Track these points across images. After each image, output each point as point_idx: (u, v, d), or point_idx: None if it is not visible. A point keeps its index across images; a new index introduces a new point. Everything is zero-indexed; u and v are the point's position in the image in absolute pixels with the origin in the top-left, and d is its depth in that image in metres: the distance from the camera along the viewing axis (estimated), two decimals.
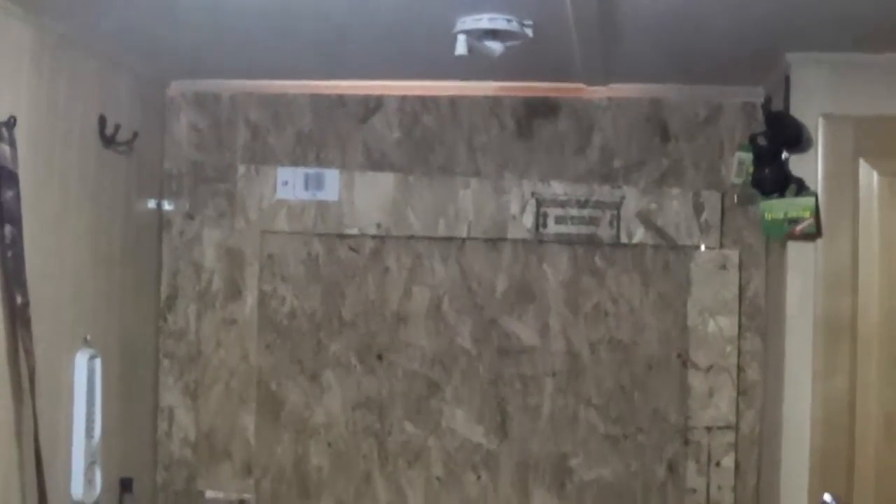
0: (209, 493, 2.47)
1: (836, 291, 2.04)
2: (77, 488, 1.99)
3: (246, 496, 2.45)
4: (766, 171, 2.10)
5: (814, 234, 2.04)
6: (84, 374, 1.99)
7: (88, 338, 2.03)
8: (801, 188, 2.05)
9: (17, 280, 1.63)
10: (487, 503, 2.41)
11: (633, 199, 2.40)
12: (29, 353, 1.66)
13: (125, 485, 2.25)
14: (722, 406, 2.35)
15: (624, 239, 2.39)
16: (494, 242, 2.43)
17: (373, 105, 2.46)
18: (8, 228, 1.62)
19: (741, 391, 2.35)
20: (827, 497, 1.98)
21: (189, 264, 2.49)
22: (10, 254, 1.62)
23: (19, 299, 1.64)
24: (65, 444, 1.95)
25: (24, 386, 1.68)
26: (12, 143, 1.64)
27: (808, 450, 2.03)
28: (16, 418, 1.69)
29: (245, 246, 2.47)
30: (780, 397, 2.10)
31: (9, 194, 1.62)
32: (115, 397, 2.19)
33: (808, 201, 2.03)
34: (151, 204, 2.46)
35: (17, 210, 1.64)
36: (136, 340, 2.36)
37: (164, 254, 2.49)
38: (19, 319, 1.65)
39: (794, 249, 2.09)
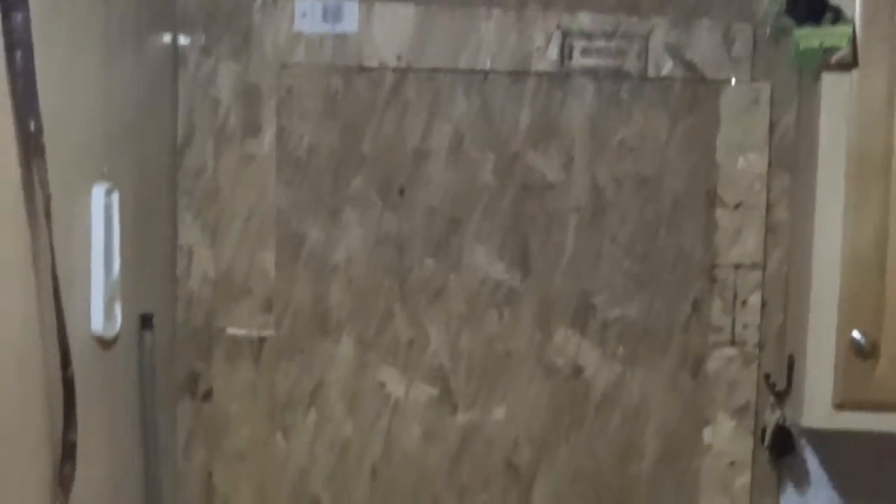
0: (230, 330, 2.46)
1: (870, 124, 1.98)
2: (97, 322, 1.96)
3: (266, 332, 2.45)
4: None
5: (849, 63, 1.97)
6: (101, 207, 1.95)
7: (106, 171, 1.99)
8: (838, 16, 1.98)
9: (29, 106, 1.58)
10: (509, 340, 2.40)
11: (661, 31, 2.32)
12: (43, 182, 1.62)
13: (145, 321, 2.23)
14: (749, 244, 2.31)
15: (652, 72, 2.33)
16: (518, 75, 2.36)
17: None
18: (19, 53, 1.56)
19: (769, 229, 2.32)
20: (856, 334, 1.96)
21: (206, 100, 2.43)
22: (20, 80, 1.57)
23: (32, 126, 1.58)
24: (83, 278, 1.92)
25: (40, 216, 1.64)
26: None
27: (837, 287, 2.00)
28: (32, 249, 1.65)
29: (262, 81, 2.41)
30: (809, 234, 2.06)
31: (18, 17, 1.55)
32: (133, 234, 2.15)
33: (845, 29, 1.96)
34: (166, 39, 2.39)
35: (28, 34, 1.58)
36: (153, 177, 2.32)
37: (180, 90, 2.43)
38: (33, 147, 1.60)
39: (829, 82, 2.03)
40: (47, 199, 1.63)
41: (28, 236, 1.64)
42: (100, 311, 1.97)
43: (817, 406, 2.03)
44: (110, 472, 2.08)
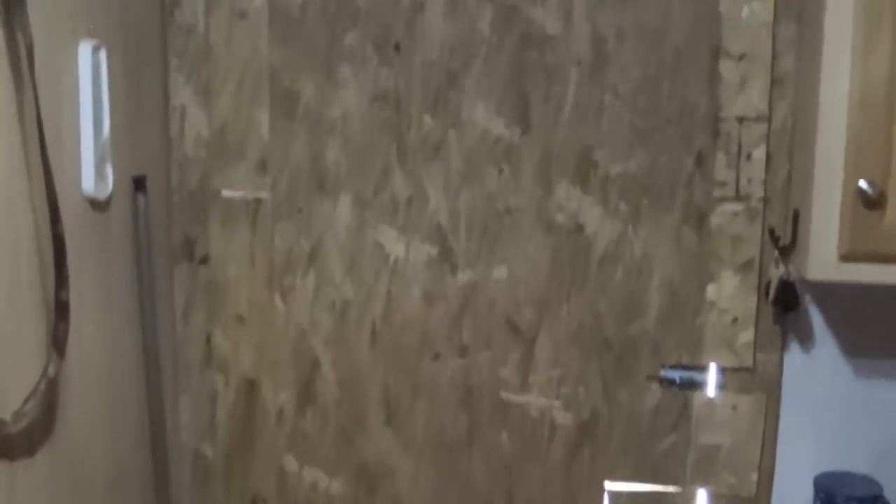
0: (225, 193, 2.42)
1: None
2: (88, 183, 1.93)
3: (262, 194, 2.41)
4: None
5: None
6: (89, 64, 1.90)
7: (92, 28, 1.93)
8: None
9: None
10: (509, 197, 2.36)
11: None
12: (25, 31, 1.57)
13: (138, 183, 2.20)
14: (754, 96, 2.25)
15: None
16: None
17: None
18: None
19: (775, 81, 2.25)
20: (862, 183, 1.91)
21: None
22: None
23: None
24: (72, 137, 1.88)
25: (23, 67, 1.60)
26: None
27: (843, 136, 1.94)
28: (17, 101, 1.61)
29: None
30: (816, 83, 2.00)
31: None
32: (123, 94, 2.11)
33: None
34: None
35: None
36: (142, 37, 2.26)
37: None
38: None
39: None
40: (30, 49, 1.58)
41: (11, 87, 1.60)
42: (90, 172, 1.94)
43: (822, 258, 1.99)
44: (107, 335, 2.07)
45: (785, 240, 2.22)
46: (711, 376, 2.36)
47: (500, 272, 2.39)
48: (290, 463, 2.53)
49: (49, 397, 1.74)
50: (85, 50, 1.90)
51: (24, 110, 1.62)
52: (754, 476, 2.38)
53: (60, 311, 1.71)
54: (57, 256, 1.69)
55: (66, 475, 1.88)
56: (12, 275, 1.63)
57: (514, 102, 2.32)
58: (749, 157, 2.27)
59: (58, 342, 1.71)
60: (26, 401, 1.63)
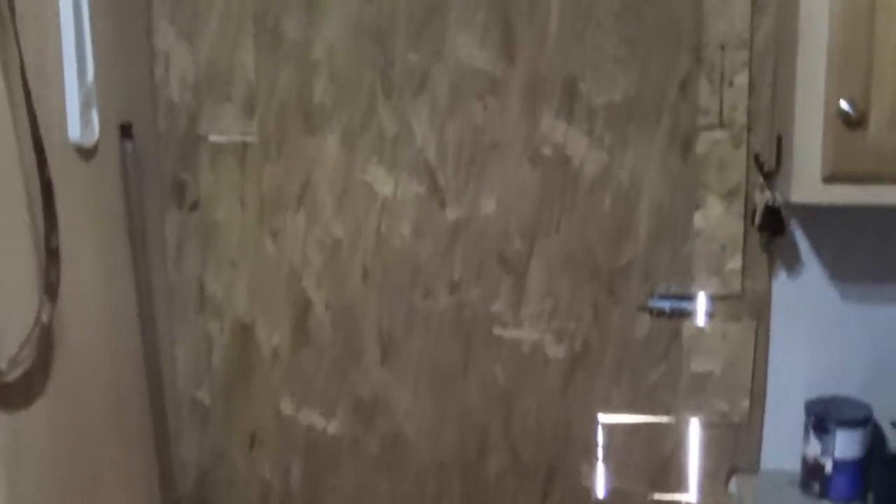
0: (213, 138, 2.42)
1: None
2: (74, 130, 1.93)
3: (249, 137, 2.41)
4: None
5: None
6: (70, 8, 1.90)
7: None
8: None
9: None
10: (495, 130, 2.36)
11: None
12: None
13: (125, 130, 2.20)
14: (736, 22, 2.25)
15: None
16: None
17: None
18: None
19: (756, 6, 2.24)
20: (843, 104, 1.92)
21: None
22: None
23: None
24: (57, 83, 1.88)
25: (4, 14, 1.60)
26: None
27: (824, 54, 1.94)
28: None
29: None
30: (795, 6, 2.00)
31: None
32: (106, 39, 2.10)
33: None
34: None
35: None
36: None
37: None
38: None
39: None
40: None
41: None
42: (76, 118, 1.94)
43: (806, 181, 1.99)
44: (100, 281, 2.08)
45: (770, 165, 2.22)
46: (701, 304, 2.38)
47: (489, 206, 2.40)
48: (287, 405, 2.55)
49: (44, 343, 1.76)
50: None
51: (7, 57, 1.62)
52: (746, 402, 2.40)
53: (51, 256, 1.72)
54: (46, 202, 1.70)
55: (65, 422, 1.90)
56: (3, 222, 1.64)
57: (497, 34, 2.31)
58: (731, 83, 2.27)
59: (50, 287, 1.72)
60: (22, 347, 1.64)
